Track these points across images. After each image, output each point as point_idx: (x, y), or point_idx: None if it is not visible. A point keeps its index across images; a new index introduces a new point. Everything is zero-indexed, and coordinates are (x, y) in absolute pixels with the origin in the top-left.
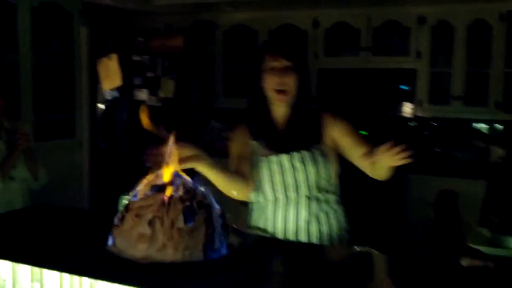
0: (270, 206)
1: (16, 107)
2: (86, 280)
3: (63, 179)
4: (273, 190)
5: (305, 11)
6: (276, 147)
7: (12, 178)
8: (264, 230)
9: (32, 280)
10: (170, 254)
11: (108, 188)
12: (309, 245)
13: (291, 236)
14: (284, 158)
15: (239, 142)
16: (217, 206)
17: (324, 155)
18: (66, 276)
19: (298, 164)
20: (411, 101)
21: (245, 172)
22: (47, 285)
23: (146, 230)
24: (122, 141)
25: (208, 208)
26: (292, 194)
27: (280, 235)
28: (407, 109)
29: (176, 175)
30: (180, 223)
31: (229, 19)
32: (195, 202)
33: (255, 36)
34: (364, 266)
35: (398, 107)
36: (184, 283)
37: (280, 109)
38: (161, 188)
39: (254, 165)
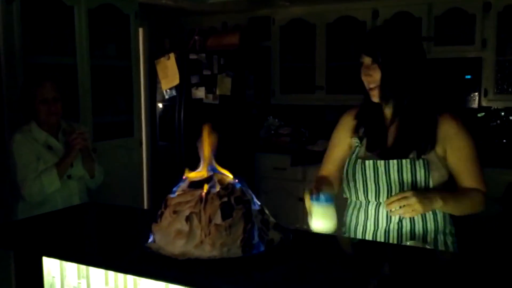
0: (362, 206)
1: (75, 109)
2: (130, 277)
3: (122, 178)
4: (366, 194)
5: (364, 2)
6: (372, 148)
7: (70, 177)
8: (356, 228)
9: (79, 277)
10: (207, 250)
11: (167, 187)
12: (354, 241)
13: (381, 236)
14: (380, 164)
15: (344, 130)
16: (257, 201)
17: (428, 167)
18: (110, 273)
19: (393, 173)
20: (475, 91)
21: (333, 171)
22: (93, 281)
23: (184, 226)
24: (180, 139)
25: (247, 203)
26: (383, 200)
27: (370, 235)
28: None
29: (214, 171)
30: (218, 219)
31: (285, 14)
32: (233, 197)
33: (312, 30)
34: (409, 262)
35: (462, 98)
36: (222, 279)
37: (386, 108)
38: (199, 184)
39: (348, 164)
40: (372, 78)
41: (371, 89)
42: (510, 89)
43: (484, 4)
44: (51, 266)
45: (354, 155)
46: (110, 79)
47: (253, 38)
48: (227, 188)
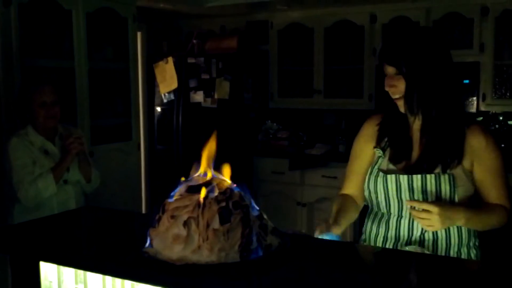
0: (384, 217)
1: (73, 112)
2: (127, 282)
3: (120, 182)
4: (388, 208)
5: (361, 6)
6: (397, 160)
7: (66, 182)
8: (376, 238)
9: (76, 282)
10: (205, 255)
11: (165, 191)
12: (352, 246)
13: (402, 249)
14: (403, 179)
15: (366, 140)
16: (255, 206)
17: (453, 182)
18: (108, 278)
19: (417, 188)
20: (474, 96)
21: (359, 186)
22: (90, 286)
23: (182, 231)
24: (178, 143)
25: (245, 208)
26: (407, 214)
27: (390, 246)
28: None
29: (212, 175)
30: (216, 224)
31: (283, 18)
32: (231, 202)
33: (310, 34)
34: (406, 267)
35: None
36: (220, 284)
37: (413, 120)
38: (197, 188)
39: (370, 175)
40: (397, 89)
41: (396, 99)
42: (508, 94)
43: (482, 8)
44: (48, 270)
45: (376, 167)
46: (108, 83)
47: (251, 42)
48: (225, 192)
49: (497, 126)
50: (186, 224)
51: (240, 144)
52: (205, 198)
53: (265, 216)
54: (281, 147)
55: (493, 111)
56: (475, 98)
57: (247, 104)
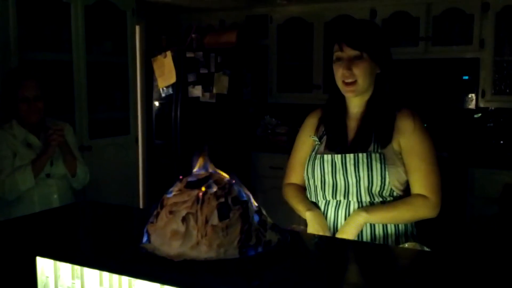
0: (322, 208)
1: (71, 106)
2: (125, 277)
3: (118, 176)
4: (324, 191)
5: (361, 1)
6: (332, 146)
7: (49, 175)
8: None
9: (73, 277)
10: (204, 252)
11: (163, 185)
12: (351, 243)
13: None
14: (337, 158)
15: (306, 131)
16: (254, 202)
17: (384, 160)
18: (105, 273)
19: (350, 167)
20: (473, 92)
21: (302, 175)
22: (87, 282)
23: (180, 227)
24: (176, 138)
25: (244, 204)
26: (341, 198)
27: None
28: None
29: (211, 171)
30: (215, 219)
31: (283, 12)
32: (230, 198)
33: (310, 29)
34: (405, 263)
35: (460, 98)
36: (219, 281)
37: (354, 105)
38: (196, 184)
39: (308, 161)
40: (352, 72)
41: (348, 83)
42: (507, 90)
43: (483, 4)
44: (45, 266)
45: (313, 153)
46: (106, 76)
47: (251, 36)
48: (224, 188)
49: (495, 122)
50: (184, 219)
51: (239, 139)
52: (204, 193)
53: (264, 212)
54: (279, 142)
55: (492, 108)
56: (474, 94)
57: (246, 99)
